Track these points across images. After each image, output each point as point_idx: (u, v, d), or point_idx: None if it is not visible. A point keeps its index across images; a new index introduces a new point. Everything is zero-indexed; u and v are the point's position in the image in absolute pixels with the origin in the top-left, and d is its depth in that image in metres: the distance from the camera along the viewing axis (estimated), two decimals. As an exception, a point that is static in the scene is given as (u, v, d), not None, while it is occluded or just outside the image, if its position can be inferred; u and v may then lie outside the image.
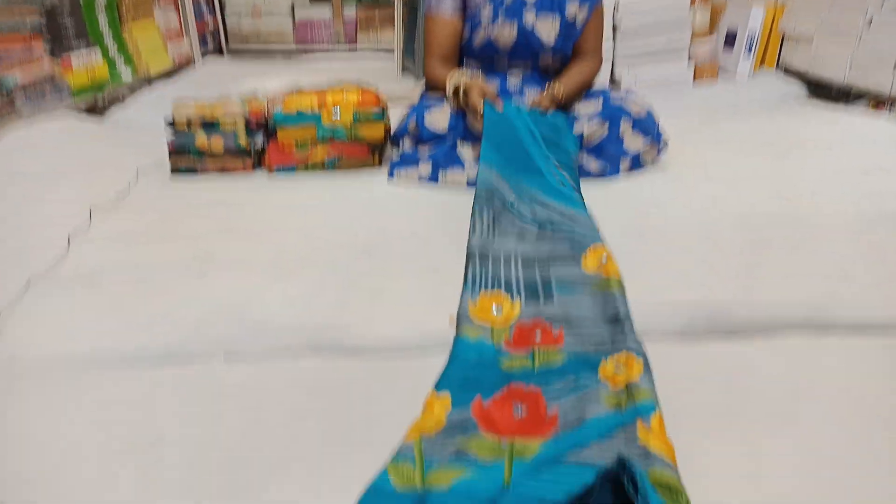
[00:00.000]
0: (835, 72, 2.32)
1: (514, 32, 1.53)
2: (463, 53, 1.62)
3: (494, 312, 0.92)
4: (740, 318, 0.92)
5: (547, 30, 1.54)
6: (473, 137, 1.48)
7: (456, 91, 1.47)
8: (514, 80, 1.60)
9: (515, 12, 1.52)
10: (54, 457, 0.69)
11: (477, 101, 1.42)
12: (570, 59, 1.60)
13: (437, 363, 0.84)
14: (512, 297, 0.95)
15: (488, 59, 1.59)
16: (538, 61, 1.60)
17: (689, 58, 2.62)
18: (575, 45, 1.59)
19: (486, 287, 0.97)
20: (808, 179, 1.39)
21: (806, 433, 0.69)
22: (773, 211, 1.23)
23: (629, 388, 0.73)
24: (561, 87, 1.51)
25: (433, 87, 1.61)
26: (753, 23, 2.50)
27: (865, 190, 1.32)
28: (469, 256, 1.06)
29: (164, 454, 0.69)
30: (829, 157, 1.56)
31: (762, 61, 2.63)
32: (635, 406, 0.69)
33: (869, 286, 0.97)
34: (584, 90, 1.58)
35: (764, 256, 1.04)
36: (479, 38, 1.55)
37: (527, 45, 1.55)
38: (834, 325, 0.92)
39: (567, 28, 1.55)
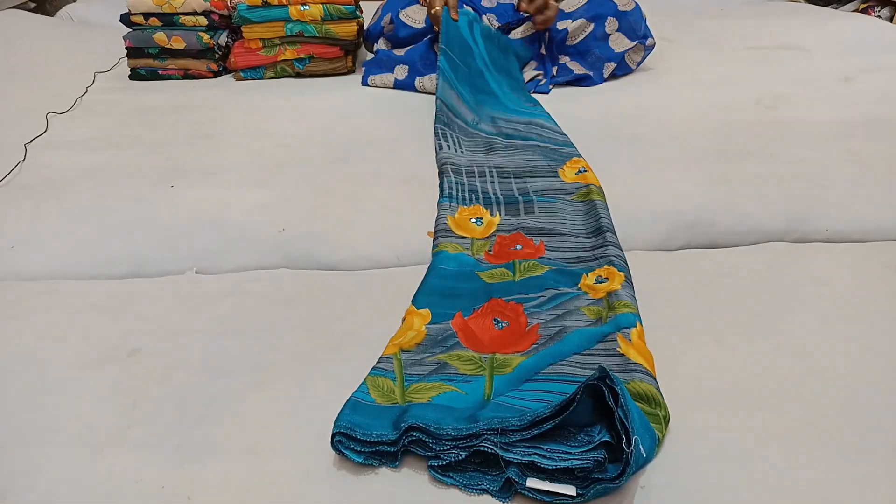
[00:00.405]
0: (827, -31, 2.24)
1: None
2: None
3: (474, 224, 0.90)
4: (722, 228, 0.91)
5: None
6: None
7: None
8: None
9: None
10: (27, 371, 0.67)
11: (435, 3, 1.33)
12: None
13: (416, 275, 0.83)
14: (491, 210, 0.93)
15: None
16: None
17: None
18: None
19: (464, 202, 0.94)
20: (789, 84, 1.36)
21: (780, 334, 0.70)
22: (753, 118, 1.20)
23: (609, 300, 0.72)
24: None
25: None
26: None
27: (846, 95, 1.29)
28: (441, 172, 1.02)
29: (141, 366, 0.67)
30: (812, 60, 1.52)
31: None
32: (616, 318, 0.68)
33: (847, 195, 0.96)
34: None
35: (743, 165, 1.03)
36: None
37: None
38: (813, 235, 0.92)
39: None
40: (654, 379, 0.61)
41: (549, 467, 0.51)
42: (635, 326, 0.67)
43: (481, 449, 0.53)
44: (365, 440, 0.54)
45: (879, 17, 2.07)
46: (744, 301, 0.76)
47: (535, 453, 0.52)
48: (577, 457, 0.51)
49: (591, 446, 0.51)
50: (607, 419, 0.53)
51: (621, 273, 0.76)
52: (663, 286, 0.79)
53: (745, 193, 0.95)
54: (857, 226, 0.92)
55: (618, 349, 0.64)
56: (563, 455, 0.51)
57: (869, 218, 0.93)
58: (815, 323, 0.72)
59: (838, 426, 0.59)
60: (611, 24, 1.39)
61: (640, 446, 0.49)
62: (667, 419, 0.58)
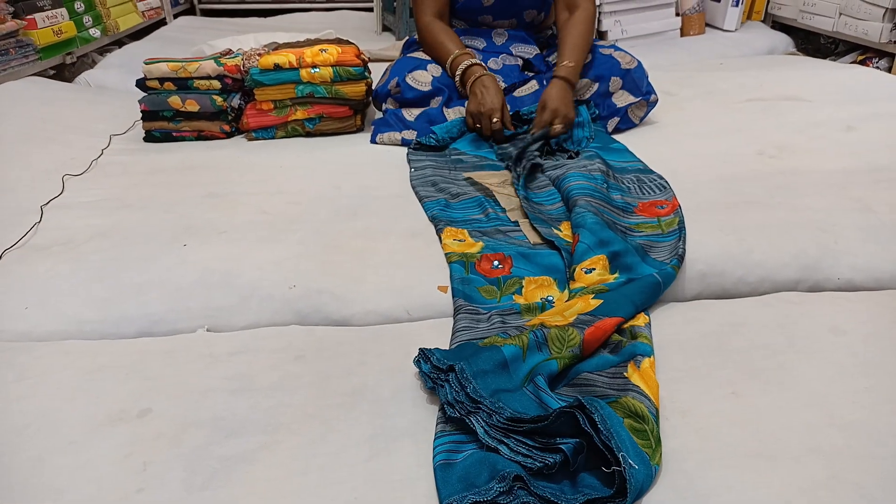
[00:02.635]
0: (823, 22, 2.29)
1: None
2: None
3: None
4: (734, 278, 0.91)
5: None
6: (459, 101, 1.44)
7: (463, 78, 1.40)
8: (499, 39, 1.55)
9: None
10: (38, 430, 0.67)
11: (486, 126, 1.34)
12: (558, 12, 1.52)
13: (426, 329, 0.83)
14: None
15: (473, 13, 1.53)
16: (523, 17, 1.54)
17: (677, 10, 2.56)
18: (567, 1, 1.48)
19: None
20: (791, 134, 1.38)
21: (797, 385, 0.69)
22: (757, 168, 1.21)
23: (632, 331, 0.77)
24: (570, 64, 1.35)
25: (425, 42, 1.51)
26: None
27: (849, 144, 1.30)
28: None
29: (152, 425, 0.67)
30: (813, 110, 1.54)
31: (750, 13, 2.59)
32: (634, 345, 0.73)
33: (857, 242, 0.96)
34: (591, 44, 1.46)
35: (751, 215, 1.03)
36: None
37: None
38: (826, 283, 0.92)
39: None
40: (650, 401, 0.64)
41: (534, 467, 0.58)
42: (650, 357, 0.71)
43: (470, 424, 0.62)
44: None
45: (878, 68, 2.11)
46: (759, 351, 0.75)
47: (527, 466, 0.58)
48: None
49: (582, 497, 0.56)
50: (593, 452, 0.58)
51: (646, 316, 0.82)
52: (677, 337, 0.79)
53: (754, 243, 0.95)
54: (870, 274, 0.92)
55: (624, 373, 0.69)
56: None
57: (881, 265, 0.93)
58: (832, 373, 0.71)
59: (861, 480, 0.57)
60: (615, 83, 1.42)
61: (630, 461, 0.54)
62: (656, 436, 0.60)
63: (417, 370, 0.72)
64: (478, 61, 1.42)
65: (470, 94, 1.38)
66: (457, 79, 1.43)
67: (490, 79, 1.37)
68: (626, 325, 0.79)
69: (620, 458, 0.54)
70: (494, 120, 1.33)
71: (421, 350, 0.72)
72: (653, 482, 0.57)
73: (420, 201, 1.13)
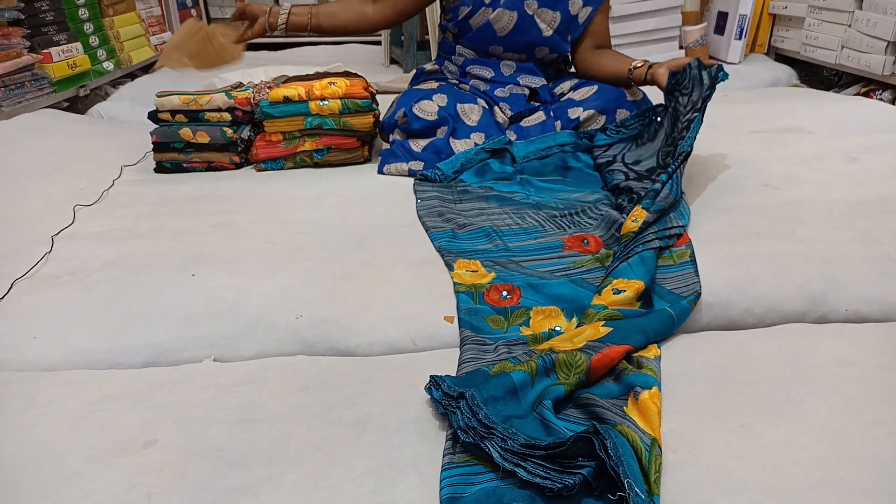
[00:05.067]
0: (826, 55, 2.31)
1: (515, 17, 1.49)
2: (457, 40, 1.58)
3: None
4: (740, 309, 0.91)
5: (547, 21, 1.51)
6: (466, 133, 1.45)
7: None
8: (507, 70, 1.57)
9: (517, 2, 1.48)
10: (42, 460, 0.67)
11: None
12: (584, 52, 1.56)
13: (432, 360, 0.83)
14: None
15: (484, 42, 1.55)
16: (534, 53, 1.56)
17: (681, 44, 2.60)
18: (596, 41, 1.55)
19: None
20: (795, 165, 1.38)
21: (805, 418, 0.68)
22: (762, 199, 1.21)
23: (639, 361, 0.77)
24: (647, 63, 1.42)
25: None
26: (744, 6, 2.49)
27: (853, 175, 1.31)
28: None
29: (156, 456, 0.67)
30: (817, 142, 1.54)
31: (753, 46, 2.62)
32: (637, 375, 0.74)
33: (864, 273, 0.96)
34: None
35: (756, 246, 1.03)
36: (479, 18, 1.50)
37: (524, 33, 1.51)
38: (832, 315, 0.91)
39: (567, 23, 1.51)
40: (644, 433, 0.65)
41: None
42: (650, 389, 0.72)
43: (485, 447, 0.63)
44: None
45: (881, 99, 2.12)
46: (766, 384, 0.75)
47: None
48: None
49: None
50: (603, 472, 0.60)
51: (658, 349, 0.82)
52: (684, 369, 0.78)
53: (759, 274, 0.95)
54: (877, 305, 0.92)
55: (624, 407, 0.70)
56: None
57: (888, 297, 0.93)
58: (840, 406, 0.71)
59: (874, 516, 0.56)
60: (622, 115, 1.44)
61: (636, 488, 0.56)
62: (645, 467, 0.61)
63: (428, 398, 0.73)
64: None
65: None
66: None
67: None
68: (634, 355, 0.79)
69: (626, 485, 0.56)
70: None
71: (432, 377, 0.73)
72: None
73: (427, 231, 1.14)
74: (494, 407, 0.67)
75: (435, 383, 0.72)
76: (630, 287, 0.89)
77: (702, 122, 1.18)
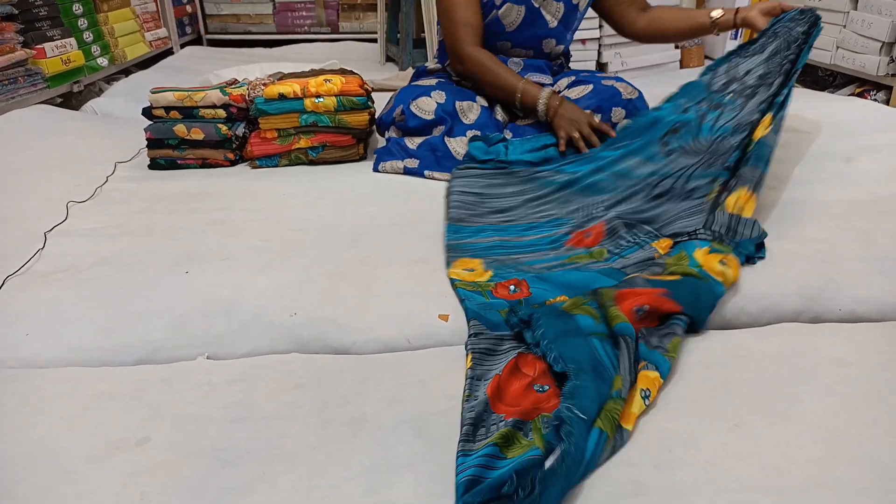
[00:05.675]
0: (821, 55, 2.32)
1: (523, 11, 1.49)
2: None
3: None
4: (735, 309, 0.91)
5: (552, 12, 1.51)
6: (462, 131, 1.44)
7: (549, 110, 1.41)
8: (515, 67, 1.55)
9: None
10: (39, 459, 0.66)
11: (587, 132, 1.37)
12: (628, 14, 1.58)
13: (426, 358, 0.83)
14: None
15: (493, 37, 1.53)
16: (541, 47, 1.56)
17: (676, 44, 2.60)
18: (637, 4, 1.58)
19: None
20: (791, 165, 1.38)
21: (801, 417, 0.68)
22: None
23: (669, 327, 0.83)
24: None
25: (475, 74, 1.49)
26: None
27: (849, 175, 1.31)
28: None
29: (151, 455, 0.66)
30: (813, 142, 1.55)
31: (748, 45, 2.62)
32: (651, 353, 0.78)
33: (860, 273, 0.96)
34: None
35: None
36: (488, 16, 1.49)
37: (532, 26, 1.51)
38: (828, 315, 0.91)
39: (569, 13, 1.52)
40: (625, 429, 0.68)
41: None
42: (656, 372, 0.76)
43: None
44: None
45: (875, 100, 2.13)
46: (762, 384, 0.75)
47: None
48: None
49: None
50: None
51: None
52: (679, 368, 0.78)
53: (756, 273, 0.95)
54: (873, 305, 0.92)
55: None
56: None
57: (884, 297, 0.93)
58: (836, 406, 0.71)
59: (870, 516, 0.56)
60: (617, 114, 1.44)
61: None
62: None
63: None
64: (549, 85, 1.48)
65: (557, 118, 1.39)
66: (539, 109, 1.42)
67: (562, 98, 1.42)
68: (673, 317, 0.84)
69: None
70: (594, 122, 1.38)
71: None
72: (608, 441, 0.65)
73: (447, 217, 1.17)
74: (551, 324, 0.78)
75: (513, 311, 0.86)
76: (727, 258, 0.93)
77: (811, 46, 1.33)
